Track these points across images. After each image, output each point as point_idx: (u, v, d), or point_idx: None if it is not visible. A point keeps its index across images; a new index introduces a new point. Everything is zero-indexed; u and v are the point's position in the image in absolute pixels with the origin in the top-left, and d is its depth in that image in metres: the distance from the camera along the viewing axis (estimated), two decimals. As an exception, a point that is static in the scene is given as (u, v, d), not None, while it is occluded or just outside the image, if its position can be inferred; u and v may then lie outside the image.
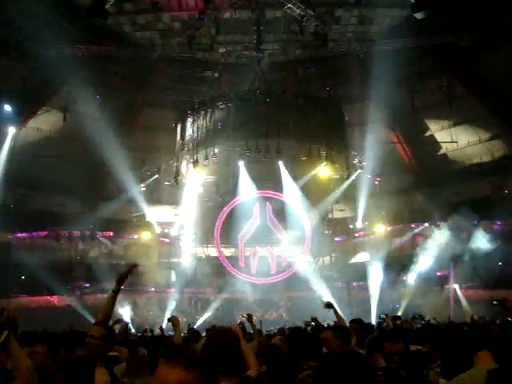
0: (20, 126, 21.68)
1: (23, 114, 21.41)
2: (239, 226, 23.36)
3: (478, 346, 2.73)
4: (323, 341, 3.83)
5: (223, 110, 20.41)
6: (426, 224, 22.90)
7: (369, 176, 23.14)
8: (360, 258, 25.26)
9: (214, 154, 20.50)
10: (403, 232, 24.63)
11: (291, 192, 23.22)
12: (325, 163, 21.92)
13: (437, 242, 20.34)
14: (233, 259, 24.07)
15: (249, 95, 20.41)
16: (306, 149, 20.72)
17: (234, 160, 22.29)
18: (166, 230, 25.91)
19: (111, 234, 24.72)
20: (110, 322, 4.25)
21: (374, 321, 15.30)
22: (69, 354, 3.57)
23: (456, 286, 20.32)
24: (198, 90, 23.73)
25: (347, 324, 5.82)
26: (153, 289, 22.09)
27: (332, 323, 9.35)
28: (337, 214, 26.32)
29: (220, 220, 23.90)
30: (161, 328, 9.60)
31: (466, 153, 24.20)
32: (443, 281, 20.63)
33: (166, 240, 25.71)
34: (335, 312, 6.01)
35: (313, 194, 23.97)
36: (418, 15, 14.56)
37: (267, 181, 23.90)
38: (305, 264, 22.87)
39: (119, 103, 24.19)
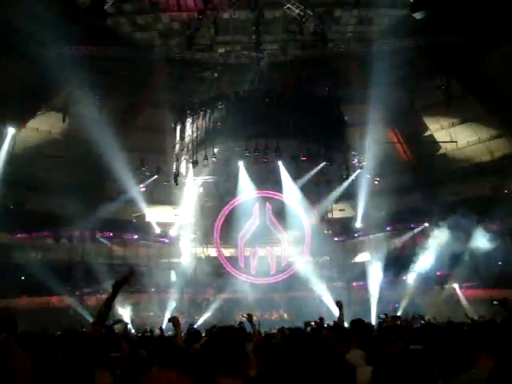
0: (20, 126, 21.68)
1: (23, 115, 21.40)
2: (239, 226, 23.38)
3: (478, 346, 2.73)
4: (323, 341, 3.84)
5: (223, 110, 20.45)
6: (426, 224, 22.92)
7: (368, 176, 23.16)
8: (360, 257, 25.29)
9: (214, 154, 20.54)
10: (403, 232, 24.66)
11: (291, 192, 23.24)
12: (324, 163, 21.95)
13: (436, 241, 20.35)
14: (232, 259, 24.09)
15: (248, 95, 20.44)
16: (305, 149, 20.75)
17: (233, 160, 22.31)
18: (166, 231, 25.93)
19: (111, 235, 24.74)
20: (110, 322, 4.25)
21: (373, 321, 15.30)
22: (68, 355, 3.57)
23: (456, 286, 20.34)
24: (198, 91, 23.72)
25: (346, 324, 5.82)
26: (153, 289, 22.08)
27: (332, 323, 9.35)
28: (336, 214, 26.36)
29: (220, 220, 23.91)
30: (160, 328, 9.58)
31: (465, 153, 24.21)
32: (443, 280, 20.64)
33: (166, 240, 25.73)
34: (341, 312, 6.08)
35: (312, 193, 24.00)
36: (417, 15, 14.58)
37: (267, 181, 23.92)
38: (304, 264, 22.88)
39: (118, 104, 24.22)
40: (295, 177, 23.38)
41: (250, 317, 6.19)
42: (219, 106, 20.60)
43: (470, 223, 18.89)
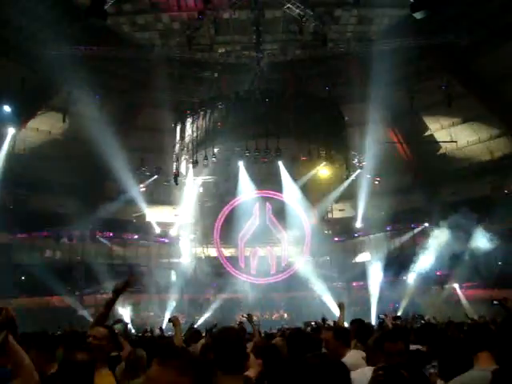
0: (20, 126, 21.68)
1: (23, 115, 21.40)
2: (239, 226, 23.38)
3: (477, 346, 2.72)
4: (323, 341, 3.83)
5: (222, 110, 20.42)
6: (426, 224, 22.91)
7: (368, 176, 23.16)
8: (360, 257, 25.29)
9: (214, 154, 20.52)
10: (403, 232, 24.66)
11: (291, 192, 23.24)
12: (324, 163, 21.95)
13: (436, 241, 20.34)
14: (233, 259, 24.09)
15: (248, 95, 20.41)
16: (305, 149, 20.75)
17: (233, 160, 22.31)
18: (166, 231, 25.93)
19: (111, 235, 24.74)
20: (110, 322, 4.26)
21: (373, 321, 15.30)
22: (68, 355, 3.57)
23: (456, 286, 20.33)
24: (198, 90, 23.74)
25: (346, 324, 5.82)
26: (153, 289, 22.09)
27: (332, 323, 9.35)
28: (336, 214, 26.37)
29: (220, 220, 23.91)
30: (160, 328, 9.59)
31: (465, 152, 24.21)
32: (443, 280, 20.64)
33: (166, 240, 25.74)
34: (342, 313, 6.08)
35: (312, 193, 24.01)
36: (417, 15, 14.56)
37: (267, 181, 23.92)
38: (304, 264, 22.88)
39: (119, 103, 24.22)
40: (295, 177, 23.39)
41: (250, 317, 6.20)
42: (219, 106, 20.57)
43: (470, 223, 18.88)
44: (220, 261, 24.06)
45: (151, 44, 22.08)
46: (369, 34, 22.06)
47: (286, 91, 21.60)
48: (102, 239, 24.20)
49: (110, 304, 3.66)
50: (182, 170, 22.28)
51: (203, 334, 7.52)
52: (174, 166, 21.77)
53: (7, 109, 20.02)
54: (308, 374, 1.53)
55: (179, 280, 23.08)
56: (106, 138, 20.13)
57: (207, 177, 23.77)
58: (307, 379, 1.52)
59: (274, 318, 23.11)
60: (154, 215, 25.44)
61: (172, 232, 25.90)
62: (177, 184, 22.03)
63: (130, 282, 3.89)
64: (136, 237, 25.19)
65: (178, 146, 21.58)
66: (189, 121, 21.25)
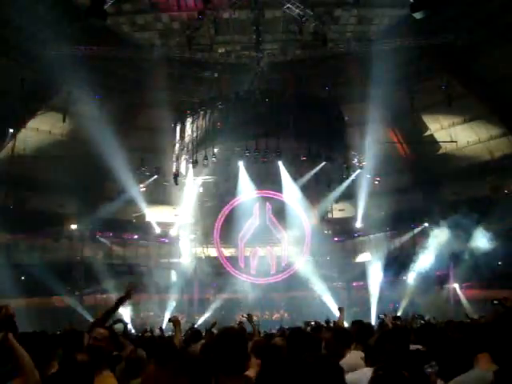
0: (20, 126, 21.67)
1: (23, 115, 21.40)
2: (239, 226, 23.38)
3: (477, 347, 2.72)
4: (323, 341, 3.83)
5: (222, 110, 20.42)
6: (426, 224, 22.91)
7: (368, 176, 23.16)
8: (360, 257, 25.29)
9: (214, 154, 20.51)
10: (403, 232, 24.66)
11: (291, 192, 23.23)
12: (324, 163, 21.94)
13: (436, 241, 20.35)
14: (233, 259, 24.08)
15: (248, 95, 20.42)
16: (305, 149, 20.73)
17: (233, 160, 22.29)
18: (166, 231, 25.93)
19: (111, 235, 24.74)
20: (110, 322, 4.26)
21: (373, 321, 15.30)
22: (68, 355, 3.56)
23: (456, 286, 20.34)
24: (198, 90, 23.73)
25: (346, 325, 5.83)
26: (153, 289, 22.10)
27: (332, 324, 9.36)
28: (336, 214, 26.37)
29: (220, 220, 23.91)
30: (160, 328, 9.57)
31: (465, 152, 24.20)
32: (443, 280, 20.65)
33: (166, 240, 25.73)
34: (342, 316, 6.39)
35: (312, 193, 24.00)
36: (417, 15, 14.53)
37: (267, 181, 23.91)
38: (304, 264, 22.88)
39: (118, 103, 24.20)
40: (295, 177, 23.39)
41: (249, 317, 6.20)
42: (219, 106, 20.57)
43: (470, 223, 18.90)
44: (220, 261, 24.06)
45: (151, 44, 22.08)
46: (369, 34, 22.06)
47: (285, 91, 21.61)
48: (101, 239, 24.20)
49: (110, 312, 3.68)
50: (182, 170, 22.27)
51: (203, 334, 7.51)
52: (174, 166, 21.78)
53: (7, 109, 20.02)
54: (304, 372, 1.54)
55: (179, 280, 23.09)
56: (105, 138, 20.13)
57: (207, 177, 23.76)
58: (303, 377, 1.53)
59: (274, 318, 23.12)
60: (153, 215, 25.44)
61: (172, 232, 25.90)
62: (177, 184, 22.03)
63: (130, 293, 3.98)
64: (136, 237, 25.21)
65: (177, 145, 21.58)
66: (189, 121, 21.25)
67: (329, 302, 20.34)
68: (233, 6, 19.39)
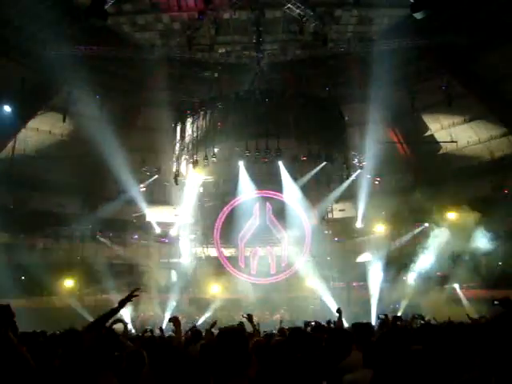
0: (20, 126, 21.68)
1: (23, 115, 21.40)
2: (239, 226, 23.37)
3: (478, 346, 2.72)
4: (324, 342, 3.83)
5: (223, 110, 20.41)
6: (426, 224, 22.89)
7: (368, 176, 23.14)
8: (360, 257, 25.25)
9: (214, 154, 20.51)
10: (403, 232, 24.63)
11: (291, 192, 23.23)
12: (324, 163, 21.93)
13: (437, 241, 20.33)
14: (233, 259, 24.07)
15: (248, 95, 20.41)
16: (305, 149, 20.73)
17: (233, 160, 22.29)
18: (166, 231, 25.92)
19: (111, 235, 24.73)
20: (110, 322, 4.25)
21: (373, 321, 15.30)
22: (67, 356, 3.56)
23: (456, 286, 20.32)
24: (198, 90, 23.72)
25: (346, 325, 5.85)
26: (153, 289, 22.08)
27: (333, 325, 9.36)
28: (337, 214, 26.33)
29: (220, 220, 23.90)
30: (160, 328, 9.56)
31: (465, 153, 24.19)
32: (443, 280, 20.61)
33: (166, 240, 25.72)
34: (339, 318, 6.33)
35: (313, 193, 23.99)
36: (418, 15, 14.52)
37: (267, 181, 23.91)
38: (305, 264, 22.87)
39: (119, 104, 24.21)
40: (295, 177, 23.38)
41: (250, 317, 6.20)
42: (219, 106, 20.57)
43: (471, 223, 18.88)
44: (220, 261, 24.05)
45: (151, 44, 22.09)
46: (369, 34, 22.05)
47: (286, 91, 21.59)
48: (102, 239, 24.20)
49: (111, 314, 3.69)
50: (183, 170, 22.27)
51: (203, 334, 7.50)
52: (174, 166, 21.78)
53: (8, 109, 20.03)
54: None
55: (179, 280, 23.08)
56: (106, 138, 20.15)
57: (207, 177, 23.76)
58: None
59: (274, 318, 23.08)
60: (154, 215, 25.44)
61: (172, 232, 25.89)
62: (177, 184, 22.03)
63: (132, 295, 4.02)
64: (136, 237, 25.20)
65: (178, 145, 21.58)
66: (189, 121, 21.25)
67: (329, 302, 20.32)
68: (233, 6, 19.40)
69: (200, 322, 20.09)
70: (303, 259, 23.18)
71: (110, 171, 21.42)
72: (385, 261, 21.51)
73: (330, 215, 26.12)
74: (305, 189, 23.40)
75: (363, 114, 22.11)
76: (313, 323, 8.80)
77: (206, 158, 20.40)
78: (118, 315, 4.19)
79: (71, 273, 21.61)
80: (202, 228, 25.25)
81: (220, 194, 25.07)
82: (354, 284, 23.80)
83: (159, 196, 26.04)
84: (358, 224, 24.98)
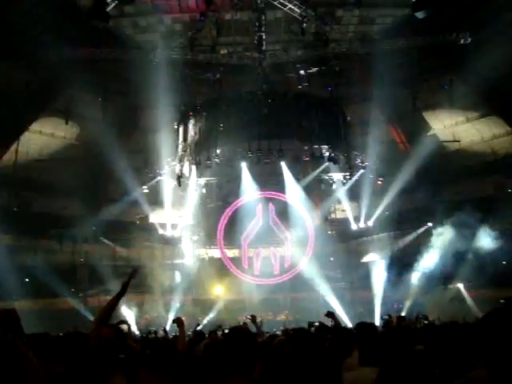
0: (23, 129, 21.74)
1: (26, 117, 21.47)
2: (242, 227, 23.38)
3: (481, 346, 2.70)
4: (327, 341, 3.83)
5: (225, 111, 20.43)
6: (430, 223, 22.84)
7: (371, 176, 23.10)
8: (363, 258, 25.23)
9: (216, 155, 20.53)
10: (407, 231, 24.58)
11: (294, 192, 23.22)
12: (327, 163, 21.91)
13: (440, 240, 20.27)
14: (236, 260, 24.09)
15: (250, 96, 20.43)
16: (308, 149, 20.72)
17: (236, 161, 22.31)
18: (169, 232, 25.93)
19: (114, 236, 24.77)
20: (113, 323, 4.26)
21: (377, 321, 15.26)
22: (71, 357, 3.56)
23: (460, 285, 20.25)
24: (200, 92, 23.74)
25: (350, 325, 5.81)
26: (157, 290, 22.11)
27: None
28: (339, 214, 26.30)
29: (223, 221, 23.91)
30: (164, 329, 9.57)
31: (468, 151, 24.12)
32: (447, 280, 20.55)
33: (169, 241, 25.74)
34: (335, 320, 5.77)
35: (315, 194, 23.98)
36: (419, 14, 14.55)
37: (270, 181, 23.91)
38: (308, 264, 22.85)
39: (121, 105, 24.26)
40: (298, 177, 23.38)
41: (253, 318, 6.20)
42: (222, 107, 20.60)
43: (474, 222, 18.83)
44: (223, 262, 24.07)
45: (153, 46, 22.13)
46: (371, 34, 22.04)
47: (288, 92, 21.60)
48: (105, 241, 24.25)
49: (117, 300, 3.65)
50: (185, 171, 22.30)
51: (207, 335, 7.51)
52: (177, 168, 21.81)
53: (10, 111, 20.08)
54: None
55: (183, 281, 23.11)
56: (108, 140, 20.19)
57: (210, 178, 23.78)
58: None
59: (277, 318, 23.07)
60: (157, 217, 25.47)
61: (175, 233, 25.91)
62: (180, 185, 22.06)
63: (133, 274, 3.94)
64: (139, 238, 25.22)
65: (180, 147, 21.60)
66: (191, 122, 21.28)
67: (332, 303, 20.29)
68: (234, 7, 19.42)
69: (204, 323, 20.12)
70: (307, 260, 23.17)
71: (113, 173, 21.47)
72: (388, 261, 21.47)
73: (332, 215, 26.11)
74: (307, 189, 23.40)
75: (365, 113, 22.10)
76: (317, 324, 8.79)
77: (208, 159, 20.43)
78: (122, 316, 4.17)
79: (75, 274, 21.70)
80: (205, 229, 25.27)
81: (223, 195, 25.08)
82: (358, 284, 23.76)
83: (162, 197, 26.03)
84: (362, 224, 24.94)
